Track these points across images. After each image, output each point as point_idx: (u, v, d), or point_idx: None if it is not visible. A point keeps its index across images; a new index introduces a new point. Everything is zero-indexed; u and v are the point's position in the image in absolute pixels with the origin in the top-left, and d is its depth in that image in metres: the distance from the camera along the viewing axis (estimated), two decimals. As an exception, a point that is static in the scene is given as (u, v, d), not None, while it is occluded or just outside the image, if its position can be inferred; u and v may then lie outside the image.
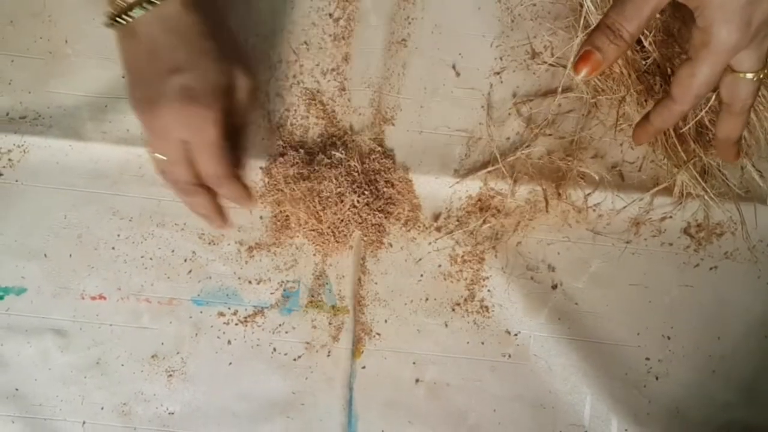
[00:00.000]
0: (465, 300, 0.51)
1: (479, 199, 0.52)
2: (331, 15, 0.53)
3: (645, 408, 0.50)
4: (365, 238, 0.51)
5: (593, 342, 0.51)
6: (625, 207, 0.52)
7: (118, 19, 0.40)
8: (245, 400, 0.49)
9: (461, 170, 0.52)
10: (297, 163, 0.50)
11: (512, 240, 0.52)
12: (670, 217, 0.52)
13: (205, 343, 0.50)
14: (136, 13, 0.39)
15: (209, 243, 0.51)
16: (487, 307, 0.51)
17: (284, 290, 0.51)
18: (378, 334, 0.51)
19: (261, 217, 0.51)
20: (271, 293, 0.50)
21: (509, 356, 0.51)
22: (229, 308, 0.50)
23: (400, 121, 0.52)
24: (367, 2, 0.53)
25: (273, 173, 0.50)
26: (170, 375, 0.49)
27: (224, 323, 0.50)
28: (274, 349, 0.50)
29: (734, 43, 0.37)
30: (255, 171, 0.51)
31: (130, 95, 0.42)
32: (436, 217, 0.52)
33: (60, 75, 0.51)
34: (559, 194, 0.51)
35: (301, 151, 0.51)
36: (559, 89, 0.52)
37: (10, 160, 0.50)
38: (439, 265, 0.51)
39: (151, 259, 0.50)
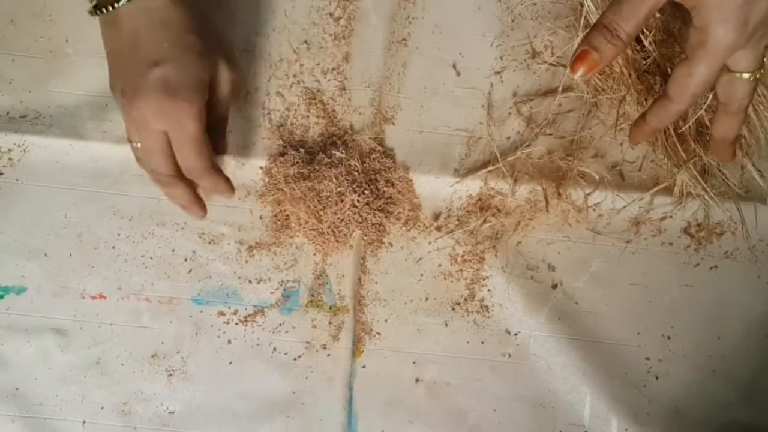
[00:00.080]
0: (465, 299, 0.51)
1: (479, 199, 0.52)
2: (331, 14, 0.53)
3: (645, 408, 0.50)
4: (365, 238, 0.51)
5: (593, 341, 0.51)
6: (625, 207, 0.52)
7: (102, 8, 0.40)
8: (245, 399, 0.49)
9: (461, 170, 0.52)
10: (297, 162, 0.50)
11: (512, 239, 0.52)
12: (671, 216, 0.52)
13: (206, 343, 0.50)
14: (121, 2, 0.39)
15: (209, 242, 0.51)
16: (487, 306, 0.51)
17: (284, 290, 0.51)
18: (378, 333, 0.50)
19: (261, 217, 0.51)
20: (272, 293, 0.50)
21: (509, 356, 0.51)
22: (229, 308, 0.50)
23: (400, 120, 0.52)
24: (368, 2, 0.53)
25: (273, 173, 0.50)
26: (170, 374, 0.49)
27: (224, 323, 0.50)
28: (275, 349, 0.50)
29: (731, 43, 0.37)
30: (255, 170, 0.51)
31: (111, 84, 0.42)
32: (437, 217, 0.52)
33: (60, 74, 0.51)
34: (560, 194, 0.51)
35: (302, 150, 0.51)
36: (560, 89, 0.52)
37: (10, 159, 0.50)
38: (440, 265, 0.51)
39: (151, 258, 0.50)
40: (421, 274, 0.51)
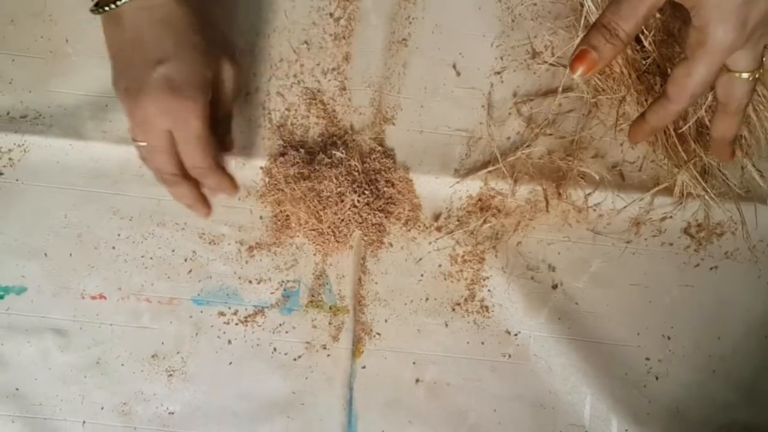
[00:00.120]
0: (465, 300, 0.51)
1: (479, 199, 0.52)
2: (331, 14, 0.53)
3: (645, 408, 0.50)
4: (365, 238, 0.51)
5: (593, 342, 0.51)
6: (625, 207, 0.52)
7: (104, 6, 0.40)
8: (245, 399, 0.49)
9: (462, 170, 0.52)
10: (297, 162, 0.50)
11: (512, 240, 0.52)
12: (671, 217, 0.52)
13: (206, 343, 0.50)
14: (122, 0, 0.39)
15: (210, 242, 0.51)
16: (487, 306, 0.51)
17: (284, 290, 0.51)
18: (378, 333, 0.50)
19: (261, 217, 0.51)
20: (272, 293, 0.50)
21: (509, 356, 0.51)
22: (229, 308, 0.50)
23: (400, 120, 0.52)
24: (368, 2, 0.53)
25: (273, 173, 0.50)
26: (170, 375, 0.49)
27: (224, 323, 0.50)
28: (275, 349, 0.50)
29: (730, 43, 0.37)
30: (255, 171, 0.51)
31: (115, 83, 0.42)
32: (437, 217, 0.52)
33: (60, 74, 0.51)
34: (560, 194, 0.51)
35: (302, 150, 0.51)
36: (560, 89, 0.52)
37: (10, 159, 0.50)
38: (440, 265, 0.51)
39: (151, 258, 0.50)
40: (422, 275, 0.51)
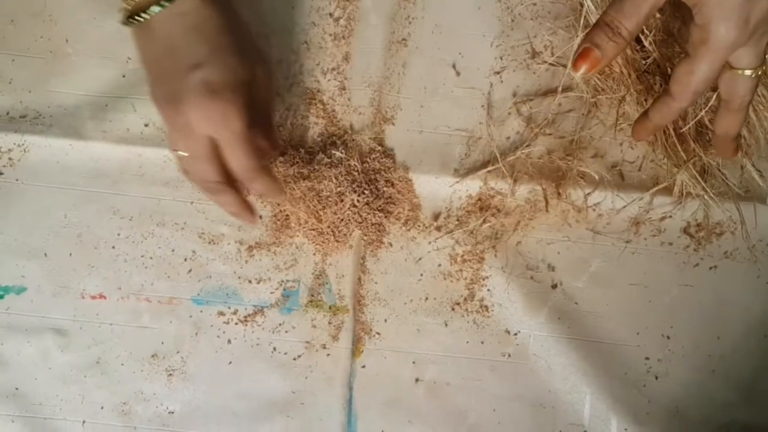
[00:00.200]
0: (465, 299, 0.51)
1: (479, 199, 0.52)
2: (331, 14, 0.53)
3: (644, 407, 0.51)
4: (365, 238, 0.51)
5: (593, 341, 0.51)
6: (625, 206, 0.52)
7: (134, 17, 0.39)
8: (245, 399, 0.49)
9: (461, 170, 0.52)
10: (297, 162, 0.50)
11: (512, 239, 0.52)
12: (670, 216, 0.52)
13: (205, 343, 0.50)
14: (153, 10, 0.39)
15: (209, 242, 0.51)
16: (486, 306, 0.51)
17: (284, 290, 0.51)
18: (378, 333, 0.51)
19: (261, 217, 0.51)
20: (271, 292, 0.50)
21: (509, 356, 0.51)
22: (229, 307, 0.50)
23: (400, 120, 0.52)
24: (368, 2, 0.53)
25: (273, 173, 0.50)
26: (170, 374, 0.49)
27: (224, 322, 0.50)
28: (274, 349, 0.50)
29: (732, 41, 0.37)
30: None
31: (152, 93, 0.41)
32: (436, 217, 0.52)
33: (60, 74, 0.51)
34: (559, 194, 0.51)
35: (302, 150, 0.51)
36: (560, 89, 0.52)
37: (10, 159, 0.50)
38: (439, 265, 0.51)
39: (151, 258, 0.50)
40: (421, 274, 0.51)
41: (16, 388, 0.49)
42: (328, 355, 0.50)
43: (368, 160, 0.51)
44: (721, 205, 0.51)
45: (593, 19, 0.48)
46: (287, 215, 0.51)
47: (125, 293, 0.50)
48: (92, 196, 0.50)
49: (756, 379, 0.51)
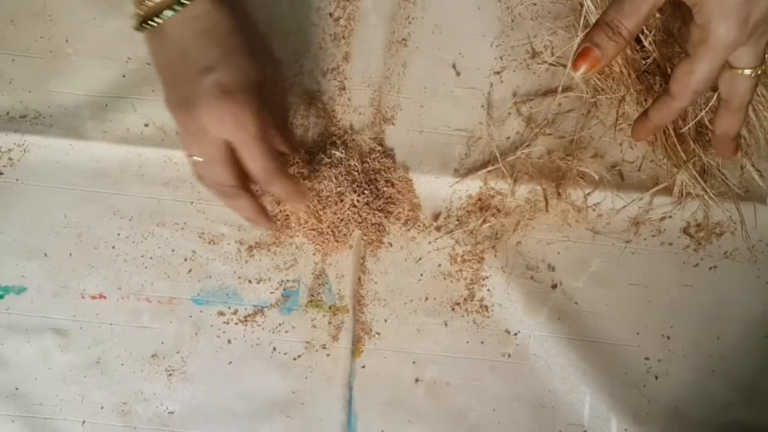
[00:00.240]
0: (465, 299, 0.51)
1: (479, 199, 0.52)
2: (331, 15, 0.53)
3: (644, 408, 0.51)
4: (365, 238, 0.51)
5: (593, 341, 0.51)
6: (624, 207, 0.52)
7: (147, 22, 0.39)
8: (245, 399, 0.49)
9: (461, 170, 0.52)
10: (297, 162, 0.50)
11: (512, 239, 0.52)
12: (670, 216, 0.52)
13: (205, 343, 0.50)
14: (166, 15, 0.39)
15: (209, 242, 0.51)
16: (486, 306, 0.51)
17: (284, 290, 0.51)
18: (378, 333, 0.51)
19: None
20: (271, 293, 0.50)
21: (509, 356, 0.51)
22: (229, 307, 0.50)
23: (400, 120, 0.52)
24: (368, 2, 0.53)
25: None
26: (170, 374, 0.49)
27: (224, 322, 0.50)
28: (274, 349, 0.50)
29: (732, 40, 0.37)
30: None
31: (166, 98, 0.41)
32: (436, 217, 0.52)
33: (60, 74, 0.51)
34: (559, 194, 0.51)
35: (302, 150, 0.51)
36: (560, 89, 0.52)
37: (10, 159, 0.50)
38: (439, 265, 0.51)
39: (151, 258, 0.50)
40: (421, 274, 0.51)
41: (16, 388, 0.49)
42: (328, 355, 0.50)
43: (368, 160, 0.51)
44: (720, 205, 0.51)
45: (593, 19, 0.48)
46: (287, 215, 0.51)
47: (125, 293, 0.50)
48: (92, 196, 0.50)
49: (756, 379, 0.51)
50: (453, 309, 0.51)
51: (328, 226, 0.50)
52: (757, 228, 0.52)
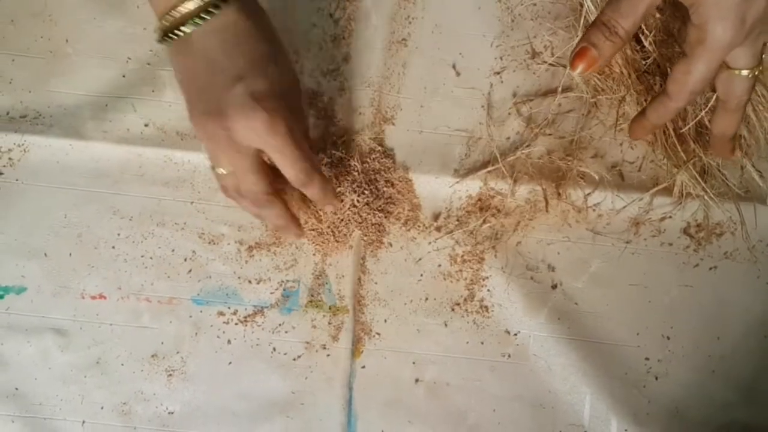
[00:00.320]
0: (465, 300, 0.51)
1: (479, 199, 0.52)
2: (331, 15, 0.53)
3: (644, 408, 0.51)
4: (365, 238, 0.51)
5: (593, 342, 0.51)
6: (624, 207, 0.52)
7: (171, 34, 0.39)
8: (245, 399, 0.49)
9: (461, 170, 0.52)
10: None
11: (512, 240, 0.52)
12: (670, 217, 0.52)
13: (205, 343, 0.50)
14: (190, 26, 0.38)
15: (209, 242, 0.51)
16: (486, 306, 0.51)
17: (284, 290, 0.51)
18: (378, 333, 0.51)
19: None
20: (271, 293, 0.50)
21: (509, 356, 0.51)
22: (228, 308, 0.50)
23: (400, 120, 0.52)
24: (368, 2, 0.53)
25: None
26: (170, 374, 0.49)
27: (224, 323, 0.50)
28: (274, 349, 0.50)
29: (729, 40, 0.37)
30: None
31: (192, 111, 0.40)
32: (436, 217, 0.52)
33: (61, 74, 0.51)
34: (559, 194, 0.51)
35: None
36: (559, 89, 0.52)
37: (10, 159, 0.50)
38: (439, 265, 0.51)
39: (151, 258, 0.50)
40: (421, 275, 0.51)
41: (16, 388, 0.49)
42: (328, 355, 0.50)
43: (368, 160, 0.51)
44: (721, 206, 0.51)
45: (593, 19, 0.47)
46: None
47: (125, 293, 0.50)
48: (92, 196, 0.50)
49: (756, 379, 0.51)
50: (453, 309, 0.51)
51: (328, 227, 0.50)
52: (757, 228, 0.52)
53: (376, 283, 0.51)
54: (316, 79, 0.52)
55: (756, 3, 0.37)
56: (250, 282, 0.50)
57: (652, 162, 0.53)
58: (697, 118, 0.48)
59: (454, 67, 0.53)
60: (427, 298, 0.51)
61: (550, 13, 0.54)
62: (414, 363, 0.50)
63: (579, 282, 0.52)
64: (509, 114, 0.53)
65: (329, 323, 0.50)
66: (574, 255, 0.52)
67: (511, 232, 0.52)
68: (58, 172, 0.50)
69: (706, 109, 0.47)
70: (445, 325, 0.51)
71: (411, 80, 0.53)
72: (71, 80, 0.51)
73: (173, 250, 0.50)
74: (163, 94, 0.51)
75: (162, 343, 0.50)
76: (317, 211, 0.50)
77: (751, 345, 0.52)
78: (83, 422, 0.48)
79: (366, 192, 0.50)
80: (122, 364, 0.49)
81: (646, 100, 0.50)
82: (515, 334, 0.51)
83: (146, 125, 0.51)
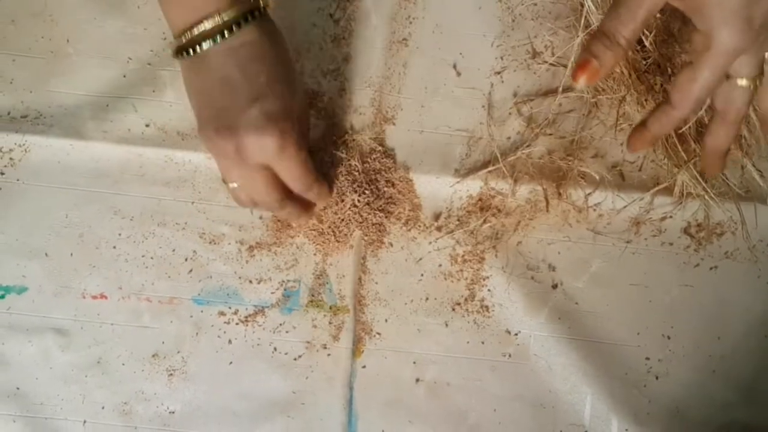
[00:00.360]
0: (465, 299, 0.51)
1: (480, 199, 0.52)
2: (331, 15, 0.53)
3: (645, 408, 0.51)
4: (366, 238, 0.51)
5: (593, 341, 0.51)
6: (625, 207, 0.52)
7: (188, 50, 0.39)
8: (246, 399, 0.49)
9: (462, 170, 0.52)
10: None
11: (513, 239, 0.52)
12: (671, 216, 0.52)
13: (206, 343, 0.50)
14: (208, 44, 0.38)
15: (210, 242, 0.51)
16: (487, 306, 0.51)
17: (285, 290, 0.51)
18: (378, 333, 0.51)
19: (261, 217, 0.51)
20: (272, 293, 0.51)
21: (509, 356, 0.51)
22: (229, 307, 0.50)
23: (400, 120, 0.52)
24: (368, 2, 0.53)
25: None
26: (171, 374, 0.49)
27: (225, 322, 0.50)
28: (275, 349, 0.50)
29: (736, 45, 0.36)
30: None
31: (203, 127, 0.41)
32: (437, 217, 0.52)
33: (61, 74, 0.51)
34: (560, 194, 0.51)
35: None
36: (560, 89, 0.52)
37: (11, 159, 0.50)
38: (440, 265, 0.51)
39: (152, 258, 0.50)
40: (422, 274, 0.51)
41: (17, 388, 0.49)
42: (328, 355, 0.50)
43: (369, 160, 0.51)
44: (721, 206, 0.51)
45: (594, 19, 0.48)
46: (288, 215, 0.51)
47: (126, 293, 0.50)
48: (93, 196, 0.50)
49: (756, 379, 0.51)
50: (453, 309, 0.51)
51: (329, 226, 0.50)
52: (758, 228, 0.52)
53: (376, 282, 0.51)
54: (316, 79, 0.52)
55: (760, 5, 0.35)
56: (250, 282, 0.50)
57: (652, 162, 0.53)
58: (697, 116, 0.48)
59: (454, 67, 0.53)
60: (427, 298, 0.51)
61: (550, 13, 0.54)
62: (414, 363, 0.50)
63: (579, 282, 0.52)
64: (510, 114, 0.53)
65: (330, 323, 0.50)
66: (575, 255, 0.52)
67: (511, 232, 0.52)
68: (59, 172, 0.50)
69: (706, 106, 0.47)
70: (446, 324, 0.51)
71: (411, 80, 0.53)
72: (72, 80, 0.51)
73: (174, 250, 0.50)
74: (163, 94, 0.51)
75: (163, 342, 0.50)
76: (318, 211, 0.50)
77: (751, 345, 0.52)
78: (84, 422, 0.49)
79: (367, 192, 0.50)
80: (123, 364, 0.49)
81: (646, 100, 0.50)
82: (516, 334, 0.51)
83: (147, 125, 0.51)
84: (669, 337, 0.51)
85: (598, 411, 0.50)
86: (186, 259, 0.50)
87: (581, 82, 0.38)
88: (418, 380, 0.50)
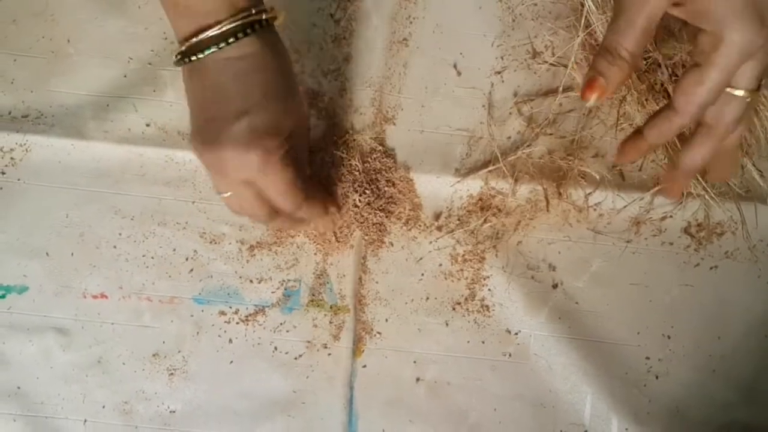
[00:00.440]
0: (466, 299, 0.51)
1: (480, 199, 0.52)
2: (332, 15, 0.53)
3: (645, 407, 0.51)
4: (366, 237, 0.51)
5: (593, 341, 0.51)
6: (625, 206, 0.52)
7: (189, 57, 0.39)
8: (246, 398, 0.49)
9: (462, 169, 0.52)
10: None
11: (513, 239, 0.52)
12: (671, 216, 0.52)
13: (207, 342, 0.50)
14: (208, 51, 0.38)
15: (210, 242, 0.51)
16: (487, 306, 0.51)
17: (285, 289, 0.51)
18: (379, 333, 0.51)
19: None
20: (272, 292, 0.51)
21: (510, 355, 0.51)
22: (230, 307, 0.50)
23: (401, 120, 0.52)
24: (368, 2, 0.53)
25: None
26: (171, 373, 0.49)
27: (225, 322, 0.50)
28: (275, 348, 0.50)
29: (748, 42, 0.34)
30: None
31: (194, 138, 0.40)
32: (437, 217, 0.52)
33: (62, 74, 0.51)
34: (560, 193, 0.51)
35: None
36: (560, 88, 0.52)
37: (12, 158, 0.50)
38: (440, 264, 0.51)
39: (152, 257, 0.50)
40: (422, 274, 0.51)
41: (18, 387, 0.49)
42: (329, 354, 0.50)
43: (369, 160, 0.51)
44: (721, 205, 0.51)
45: (594, 19, 0.48)
46: (288, 215, 0.51)
47: (126, 293, 0.50)
48: (94, 196, 0.51)
49: (756, 379, 0.51)
50: (454, 308, 0.51)
51: (330, 226, 0.50)
52: (758, 228, 0.52)
53: (377, 282, 0.51)
54: (316, 79, 0.52)
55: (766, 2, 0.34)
56: (251, 281, 0.51)
57: (652, 161, 0.53)
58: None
59: (455, 66, 0.53)
60: (428, 298, 0.51)
61: (551, 13, 0.54)
62: (415, 362, 0.50)
63: (580, 281, 0.52)
64: (510, 113, 0.53)
65: (330, 322, 0.50)
66: (575, 254, 0.52)
67: (511, 232, 0.52)
68: (59, 172, 0.50)
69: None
70: (446, 324, 0.51)
71: (412, 80, 0.53)
72: (73, 80, 0.51)
73: (174, 250, 0.51)
74: (164, 94, 0.51)
75: (163, 342, 0.50)
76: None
77: (751, 345, 0.52)
78: (85, 421, 0.49)
79: (367, 192, 0.50)
80: (123, 364, 0.49)
81: (647, 100, 0.50)
82: (516, 334, 0.51)
83: (147, 125, 0.51)
84: (669, 337, 0.51)
85: (598, 410, 0.50)
86: (186, 259, 0.50)
87: (591, 100, 0.37)
88: (418, 380, 0.50)
